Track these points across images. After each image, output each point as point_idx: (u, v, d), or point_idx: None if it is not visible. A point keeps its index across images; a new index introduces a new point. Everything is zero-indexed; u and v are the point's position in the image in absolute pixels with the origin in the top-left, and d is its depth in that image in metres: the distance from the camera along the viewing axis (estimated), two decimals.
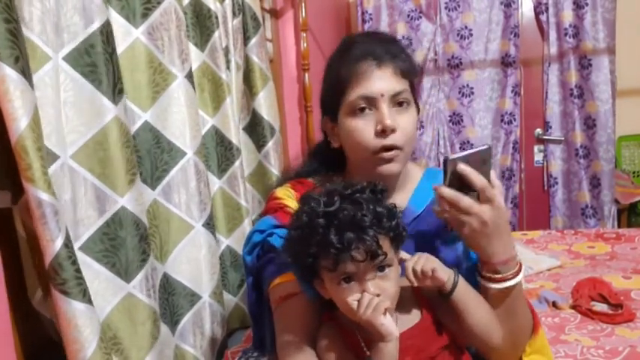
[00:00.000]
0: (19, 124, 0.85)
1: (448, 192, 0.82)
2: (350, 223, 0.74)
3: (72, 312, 0.93)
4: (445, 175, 0.82)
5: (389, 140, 0.89)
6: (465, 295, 0.83)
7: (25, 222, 0.98)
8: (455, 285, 0.82)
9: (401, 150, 0.91)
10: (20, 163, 0.86)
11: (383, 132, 0.89)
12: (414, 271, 0.81)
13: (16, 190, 0.97)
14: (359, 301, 0.75)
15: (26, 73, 0.87)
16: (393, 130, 0.89)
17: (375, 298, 0.75)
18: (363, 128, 0.90)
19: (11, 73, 0.84)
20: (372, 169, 0.92)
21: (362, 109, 0.90)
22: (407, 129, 0.91)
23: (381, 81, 0.90)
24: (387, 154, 0.90)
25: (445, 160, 0.82)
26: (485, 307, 0.85)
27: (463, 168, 0.81)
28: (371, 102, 0.90)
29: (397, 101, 0.91)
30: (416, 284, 0.82)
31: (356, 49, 0.93)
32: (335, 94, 0.94)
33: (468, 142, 3.02)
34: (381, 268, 0.77)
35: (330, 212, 0.76)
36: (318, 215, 0.76)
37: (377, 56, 0.90)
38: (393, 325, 0.75)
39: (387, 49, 0.92)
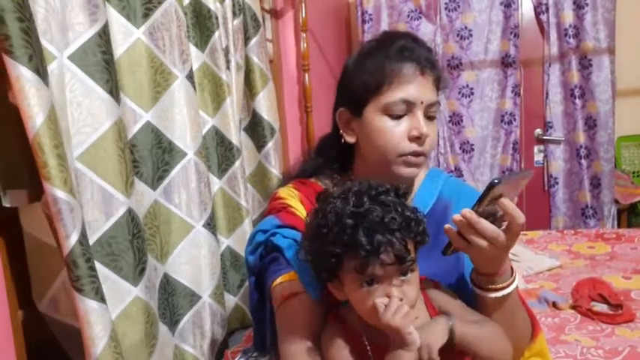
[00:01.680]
0: (35, 122, 0.86)
1: (490, 228, 0.76)
2: (379, 225, 0.73)
3: (84, 309, 0.95)
4: (483, 198, 0.76)
5: (421, 147, 0.91)
6: (466, 336, 0.80)
7: (50, 219, 0.98)
8: (451, 334, 0.79)
9: (425, 157, 0.93)
10: (37, 160, 0.87)
11: (418, 138, 0.90)
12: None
13: (34, 189, 0.97)
14: (387, 304, 0.74)
15: (40, 71, 0.87)
16: (426, 138, 0.91)
17: (404, 305, 0.74)
18: (395, 130, 0.90)
19: (25, 72, 0.84)
20: (390, 170, 0.92)
21: (399, 112, 0.90)
22: (434, 139, 0.93)
23: (423, 88, 0.91)
24: (414, 159, 0.91)
25: (492, 185, 0.74)
26: (490, 342, 0.83)
27: (506, 204, 0.76)
28: (409, 107, 0.90)
29: (429, 111, 0.92)
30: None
31: (400, 48, 0.92)
32: (368, 88, 0.92)
33: (468, 142, 3.01)
34: (404, 273, 0.76)
35: (359, 213, 0.74)
36: (346, 215, 0.75)
37: (420, 62, 0.91)
38: (417, 335, 0.73)
39: (429, 58, 0.93)
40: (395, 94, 0.90)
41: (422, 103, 0.90)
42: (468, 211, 0.77)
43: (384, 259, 0.73)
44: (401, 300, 0.74)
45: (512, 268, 0.87)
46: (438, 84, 0.95)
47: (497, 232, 0.77)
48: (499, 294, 0.85)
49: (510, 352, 0.86)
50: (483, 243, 0.77)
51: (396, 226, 0.74)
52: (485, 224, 0.76)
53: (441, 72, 0.96)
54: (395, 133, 0.90)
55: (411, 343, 0.73)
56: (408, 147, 0.90)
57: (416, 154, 0.91)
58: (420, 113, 0.90)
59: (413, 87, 0.90)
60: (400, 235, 0.74)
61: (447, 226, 0.80)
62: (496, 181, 0.73)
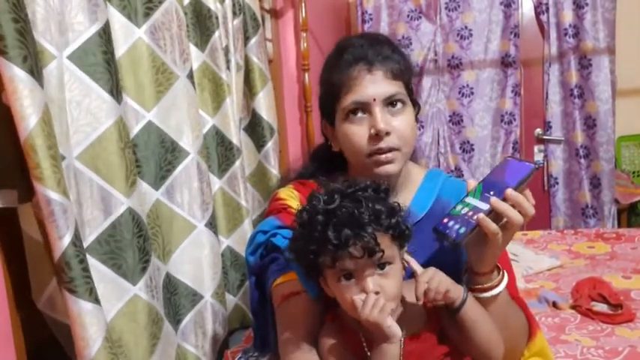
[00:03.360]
0: (28, 123, 0.85)
1: (527, 204, 0.81)
2: (348, 220, 0.75)
3: (78, 310, 0.94)
4: (525, 181, 0.81)
5: (384, 143, 0.90)
6: (472, 312, 0.83)
7: (40, 220, 0.98)
8: (463, 302, 0.82)
9: (399, 151, 0.91)
10: (29, 161, 0.87)
11: (377, 136, 0.90)
12: (428, 290, 0.80)
13: (25, 189, 0.97)
14: (364, 300, 0.75)
15: (35, 72, 0.87)
16: (387, 133, 0.90)
17: (381, 298, 0.75)
18: (357, 133, 0.91)
19: (19, 73, 0.84)
20: (370, 171, 0.92)
21: (355, 114, 0.91)
22: (402, 130, 0.91)
23: (373, 85, 0.90)
24: (383, 157, 0.91)
25: (533, 169, 0.81)
26: (489, 324, 0.85)
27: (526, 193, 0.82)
28: (364, 107, 0.91)
29: (391, 103, 0.91)
30: (422, 301, 0.82)
31: (347, 54, 0.93)
32: (330, 100, 0.95)
33: (468, 142, 3.01)
34: (382, 266, 0.78)
35: (330, 209, 0.76)
36: (318, 212, 0.77)
37: (368, 60, 0.91)
38: (397, 327, 0.75)
39: (378, 51, 0.92)
40: (347, 99, 0.91)
41: (374, 100, 0.90)
42: (511, 191, 0.79)
43: (353, 253, 0.75)
44: (377, 293, 0.76)
45: (499, 268, 0.88)
46: (396, 74, 0.92)
47: (532, 208, 0.80)
48: (488, 294, 0.86)
49: (502, 348, 0.86)
50: (520, 219, 0.79)
51: (366, 220, 0.75)
52: (526, 201, 0.79)
53: (399, 60, 0.94)
54: (357, 136, 0.91)
55: (392, 336, 0.75)
56: (371, 146, 0.91)
57: (381, 151, 0.90)
58: (377, 110, 0.90)
59: (362, 87, 0.90)
60: (370, 228, 0.75)
61: (480, 215, 0.80)
62: (540, 163, 0.77)
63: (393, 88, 0.91)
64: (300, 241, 0.80)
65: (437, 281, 0.81)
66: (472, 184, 0.86)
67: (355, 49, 0.93)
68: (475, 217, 0.80)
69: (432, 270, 0.83)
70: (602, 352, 1.42)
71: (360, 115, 0.91)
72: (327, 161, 1.05)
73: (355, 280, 0.77)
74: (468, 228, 0.80)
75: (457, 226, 0.81)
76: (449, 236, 0.81)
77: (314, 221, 0.77)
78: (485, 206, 0.80)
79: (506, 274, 0.88)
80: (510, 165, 0.85)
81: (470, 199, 0.84)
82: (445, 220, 0.84)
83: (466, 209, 0.83)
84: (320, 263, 0.79)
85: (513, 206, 0.79)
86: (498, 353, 0.85)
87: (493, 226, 0.79)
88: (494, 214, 0.79)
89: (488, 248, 0.82)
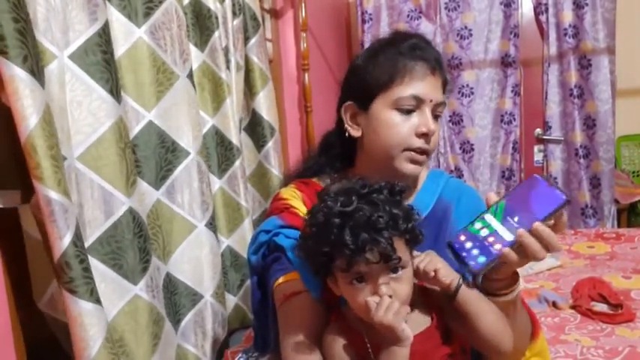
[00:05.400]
0: (29, 123, 0.85)
1: (555, 239, 0.76)
2: (365, 224, 0.74)
3: (78, 310, 0.94)
4: (553, 213, 0.75)
5: (425, 144, 0.92)
6: (471, 298, 0.82)
7: (39, 220, 0.98)
8: (459, 286, 0.81)
9: (428, 156, 0.94)
10: (29, 161, 0.86)
11: (425, 135, 0.91)
12: (417, 269, 0.80)
13: (26, 189, 0.97)
14: (378, 303, 0.74)
15: (35, 72, 0.87)
16: (432, 136, 0.92)
17: (396, 301, 0.74)
18: (403, 124, 0.92)
19: (20, 73, 0.84)
20: (393, 166, 0.93)
21: (408, 107, 0.92)
22: (436, 138, 0.94)
23: (433, 87, 0.92)
24: (419, 156, 0.92)
25: (564, 203, 0.74)
26: (493, 313, 0.83)
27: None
28: (419, 103, 0.92)
29: (436, 110, 0.94)
30: (417, 281, 0.81)
31: (412, 46, 0.94)
32: (379, 82, 0.93)
33: (468, 142, 3.02)
34: (395, 270, 0.77)
35: (346, 212, 0.75)
36: (334, 214, 0.76)
37: (431, 62, 0.93)
38: (409, 330, 0.75)
39: (438, 59, 0.95)
40: (406, 90, 0.91)
41: (431, 101, 0.92)
42: (540, 225, 0.75)
43: (369, 258, 0.74)
44: (390, 297, 0.75)
45: (517, 276, 0.86)
46: (445, 86, 0.96)
47: (559, 245, 0.76)
48: (504, 298, 0.84)
49: (510, 338, 0.84)
50: (543, 255, 0.76)
51: (382, 225, 0.74)
52: (554, 237, 0.75)
53: (447, 74, 0.97)
54: (403, 127, 0.91)
55: (405, 339, 0.74)
56: (415, 142, 0.92)
57: (421, 151, 0.92)
58: (428, 111, 0.92)
59: (423, 85, 0.91)
60: (387, 233, 0.74)
61: (506, 250, 0.76)
62: (567, 198, 0.74)
63: (443, 97, 0.95)
64: (312, 241, 0.79)
65: (427, 260, 0.80)
66: (492, 198, 0.81)
67: (420, 46, 0.94)
68: (498, 247, 0.76)
69: (425, 253, 0.83)
70: (602, 352, 1.42)
71: (410, 109, 0.92)
72: (336, 152, 1.04)
73: (367, 284, 0.77)
74: (489, 259, 0.76)
75: (476, 253, 0.77)
76: (467, 264, 0.77)
77: (330, 223, 0.75)
78: (509, 236, 0.76)
79: (520, 281, 0.87)
80: (538, 188, 0.77)
81: (490, 219, 0.78)
82: (462, 238, 0.80)
83: (486, 231, 0.78)
84: (331, 265, 0.78)
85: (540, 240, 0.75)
86: (507, 344, 0.83)
87: (515, 259, 0.76)
88: (517, 246, 0.76)
89: (502, 268, 0.81)
